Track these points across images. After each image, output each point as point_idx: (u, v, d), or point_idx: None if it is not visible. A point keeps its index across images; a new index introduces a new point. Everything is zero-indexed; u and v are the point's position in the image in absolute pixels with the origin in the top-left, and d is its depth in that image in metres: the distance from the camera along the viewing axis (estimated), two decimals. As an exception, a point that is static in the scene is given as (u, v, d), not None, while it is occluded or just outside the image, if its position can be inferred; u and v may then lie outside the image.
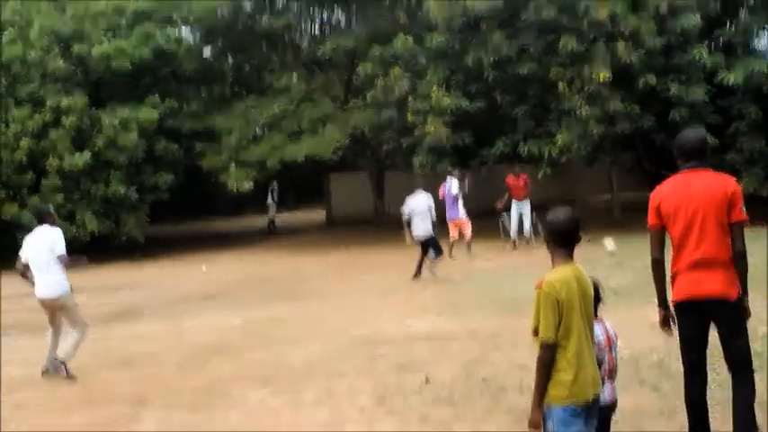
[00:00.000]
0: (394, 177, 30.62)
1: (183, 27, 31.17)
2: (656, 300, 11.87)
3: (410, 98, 23.50)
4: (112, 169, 25.77)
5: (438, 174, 22.27)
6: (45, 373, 10.01)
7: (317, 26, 32.40)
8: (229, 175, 27.23)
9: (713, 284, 5.64)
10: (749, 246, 5.75)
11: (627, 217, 22.20)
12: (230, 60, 33.70)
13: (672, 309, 5.92)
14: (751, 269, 5.83)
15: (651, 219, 5.88)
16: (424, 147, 23.19)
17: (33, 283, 10.11)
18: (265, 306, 14.92)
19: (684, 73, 21.56)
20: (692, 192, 5.69)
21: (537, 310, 4.47)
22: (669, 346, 9.06)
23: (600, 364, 4.96)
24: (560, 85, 21.65)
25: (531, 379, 8.00)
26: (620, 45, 20.92)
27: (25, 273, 10.14)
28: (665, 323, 5.97)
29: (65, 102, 25.37)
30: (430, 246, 16.78)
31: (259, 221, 35.72)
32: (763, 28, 24.39)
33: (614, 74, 20.93)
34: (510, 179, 21.43)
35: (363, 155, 31.59)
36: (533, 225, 21.18)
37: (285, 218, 36.70)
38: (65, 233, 23.60)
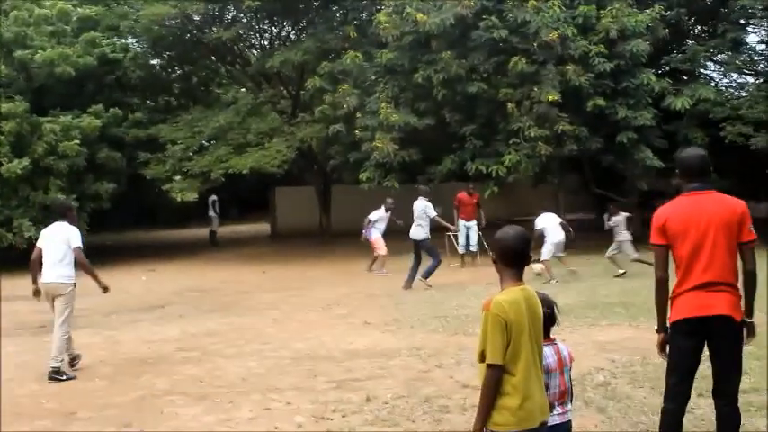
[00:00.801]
0: (340, 192, 30.44)
1: (130, 37, 30.74)
2: (603, 321, 11.89)
3: (358, 114, 23.36)
4: (52, 176, 25.13)
5: (384, 189, 22.41)
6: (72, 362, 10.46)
7: (266, 39, 32.11)
8: (173, 186, 26.81)
9: (720, 305, 5.51)
10: None
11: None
12: (177, 71, 33.31)
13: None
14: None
15: (656, 238, 5.70)
16: (372, 162, 23.01)
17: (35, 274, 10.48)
18: (204, 319, 14.54)
19: (632, 97, 21.78)
20: (702, 212, 5.57)
21: (484, 332, 4.19)
22: (614, 367, 9.00)
23: (546, 388, 4.75)
24: (509, 105, 21.68)
25: (475, 399, 7.85)
26: (570, 67, 21.04)
27: (38, 261, 10.41)
28: (663, 347, 5.79)
29: (4, 107, 24.77)
30: (423, 250, 17.47)
31: (201, 233, 35.17)
32: (709, 56, 24.76)
33: (563, 96, 21.05)
34: (463, 196, 21.38)
35: (310, 169, 31.35)
36: (479, 243, 21.16)
37: (229, 230, 36.20)
38: (0, 239, 23.08)
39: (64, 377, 9.94)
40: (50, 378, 9.89)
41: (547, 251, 17.40)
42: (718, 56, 25.35)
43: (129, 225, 39.28)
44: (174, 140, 27.25)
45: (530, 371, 4.20)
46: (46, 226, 24.31)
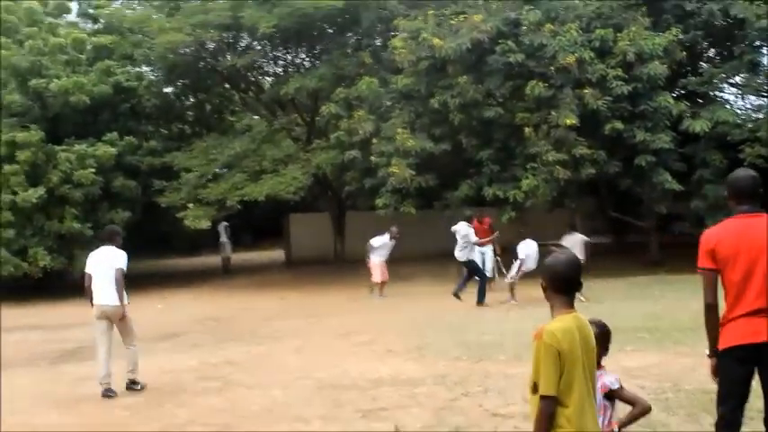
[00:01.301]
0: (355, 218, 30.29)
1: (144, 66, 30.81)
2: (629, 347, 11.67)
3: (374, 139, 23.28)
4: (67, 205, 25.13)
5: (401, 214, 22.45)
6: (106, 394, 10.47)
7: (280, 66, 32.13)
8: (188, 214, 26.76)
9: None
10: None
11: (591, 261, 22.07)
12: (191, 98, 33.38)
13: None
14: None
15: (705, 262, 5.51)
16: (388, 188, 22.89)
17: (92, 297, 10.87)
18: (222, 347, 14.36)
19: (650, 120, 21.65)
20: (753, 236, 5.40)
21: (536, 362, 4.02)
22: (645, 394, 8.76)
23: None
24: (526, 129, 21.57)
25: (505, 429, 7.68)
26: (587, 91, 20.94)
27: (89, 285, 10.84)
28: (717, 372, 5.60)
29: (20, 136, 24.83)
30: (470, 269, 18.72)
31: (214, 260, 34.96)
32: (727, 78, 24.64)
33: (581, 119, 20.93)
34: (474, 224, 21.23)
35: (325, 195, 31.27)
36: (496, 268, 21.05)
37: (242, 258, 36.04)
38: (15, 268, 23.12)
39: (139, 386, 10.73)
40: (128, 388, 10.70)
41: (515, 272, 18.52)
42: (735, 78, 25.20)
43: (144, 253, 39.10)
44: (189, 168, 27.23)
45: (583, 402, 4.02)
46: (61, 255, 24.64)
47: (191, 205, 27.84)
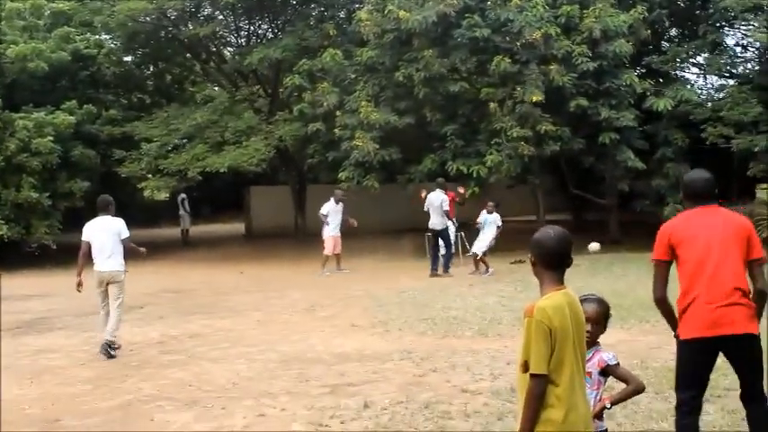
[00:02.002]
0: (316, 191, 30.12)
1: (104, 33, 30.29)
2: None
3: (338, 112, 23.11)
4: (25, 174, 24.65)
5: (363, 188, 22.54)
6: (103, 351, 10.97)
7: (242, 37, 31.76)
8: (148, 184, 26.44)
9: (737, 321, 5.32)
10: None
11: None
12: (152, 68, 32.95)
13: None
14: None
15: (660, 253, 5.52)
16: (351, 161, 22.76)
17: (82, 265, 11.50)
18: (184, 321, 14.20)
19: (614, 97, 21.74)
20: (712, 223, 5.43)
21: (527, 340, 3.89)
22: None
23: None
24: (491, 105, 21.53)
25: (476, 405, 7.65)
26: (553, 67, 20.94)
27: (87, 253, 11.37)
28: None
29: (-24, 102, 24.32)
30: (442, 237, 19.25)
31: (173, 232, 34.59)
32: (689, 57, 24.78)
33: (546, 96, 20.95)
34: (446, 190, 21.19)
35: (285, 168, 31.05)
36: (459, 243, 21.04)
37: (201, 230, 35.72)
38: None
39: (114, 352, 10.93)
40: (103, 351, 10.89)
41: (484, 244, 19.07)
42: (698, 57, 25.37)
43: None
44: (149, 138, 26.92)
45: (573, 380, 3.93)
46: (18, 224, 24.16)
47: (150, 176, 27.53)
